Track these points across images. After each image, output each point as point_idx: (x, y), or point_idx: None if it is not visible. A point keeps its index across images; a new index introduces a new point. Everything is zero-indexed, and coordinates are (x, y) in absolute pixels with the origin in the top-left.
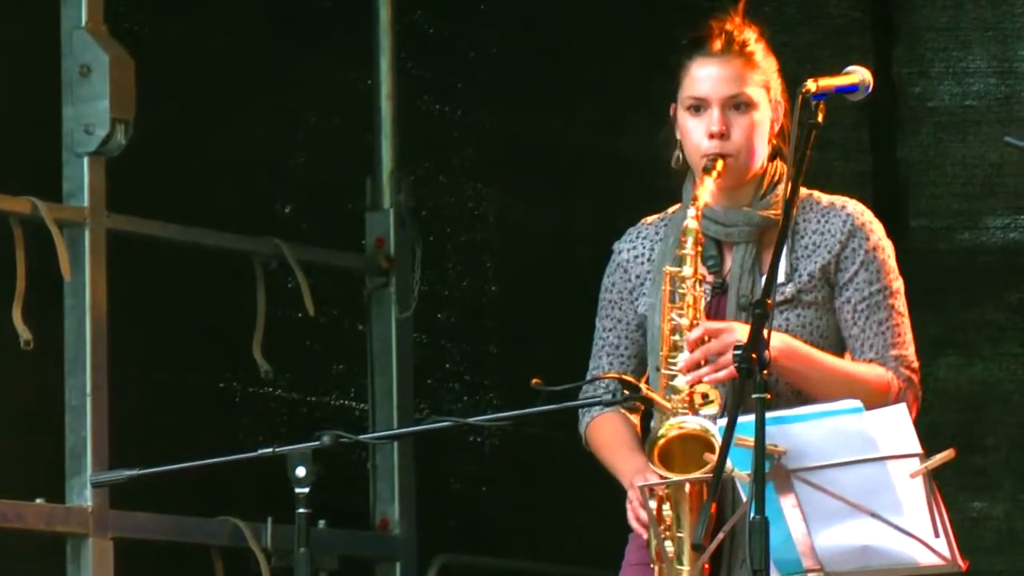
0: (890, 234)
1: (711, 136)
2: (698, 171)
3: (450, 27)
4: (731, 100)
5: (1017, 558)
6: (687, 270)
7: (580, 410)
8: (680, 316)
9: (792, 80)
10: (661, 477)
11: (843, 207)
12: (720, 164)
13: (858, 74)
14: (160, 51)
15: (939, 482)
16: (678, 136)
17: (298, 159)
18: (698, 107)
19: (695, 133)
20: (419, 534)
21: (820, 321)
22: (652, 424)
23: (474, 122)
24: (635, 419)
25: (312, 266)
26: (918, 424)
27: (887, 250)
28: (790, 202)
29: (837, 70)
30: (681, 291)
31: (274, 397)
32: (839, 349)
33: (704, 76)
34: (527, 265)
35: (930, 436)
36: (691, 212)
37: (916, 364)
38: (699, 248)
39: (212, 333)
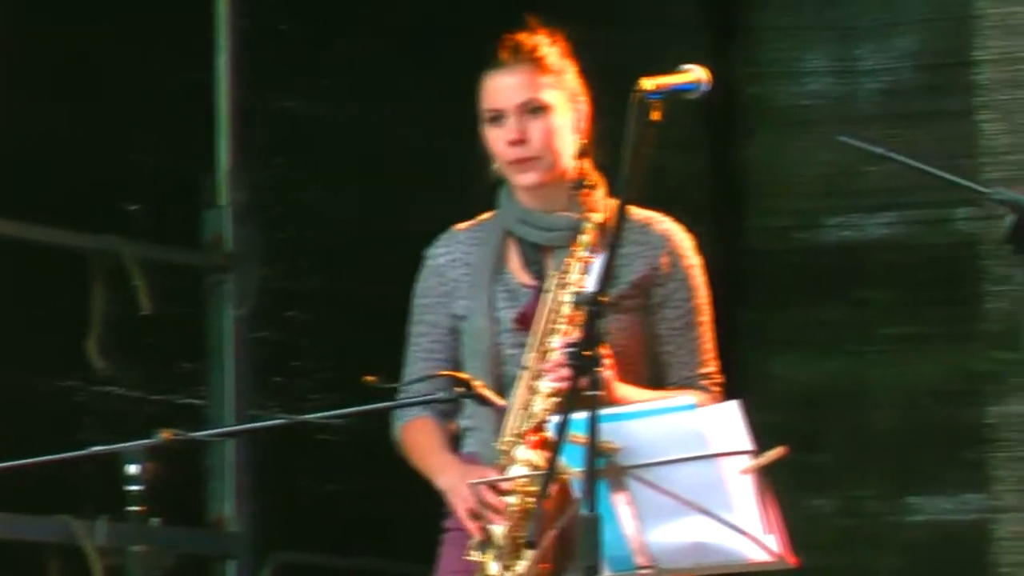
0: (728, 234)
1: (511, 144)
2: (512, 180)
3: (304, 24)
4: (525, 106)
5: (852, 555)
6: (573, 276)
7: (394, 413)
8: (557, 323)
9: (631, 81)
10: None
11: (661, 223)
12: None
13: (694, 72)
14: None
15: (778, 479)
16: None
17: (144, 156)
18: (496, 118)
19: (497, 143)
20: (262, 533)
21: (638, 327)
22: (463, 423)
23: (327, 120)
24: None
25: (153, 264)
26: (757, 422)
27: (699, 267)
28: (624, 204)
29: (675, 69)
30: (561, 298)
31: (117, 396)
32: (653, 358)
33: (497, 87)
34: (378, 263)
35: (769, 434)
36: (588, 225)
37: (720, 378)
38: (589, 257)
39: (56, 331)
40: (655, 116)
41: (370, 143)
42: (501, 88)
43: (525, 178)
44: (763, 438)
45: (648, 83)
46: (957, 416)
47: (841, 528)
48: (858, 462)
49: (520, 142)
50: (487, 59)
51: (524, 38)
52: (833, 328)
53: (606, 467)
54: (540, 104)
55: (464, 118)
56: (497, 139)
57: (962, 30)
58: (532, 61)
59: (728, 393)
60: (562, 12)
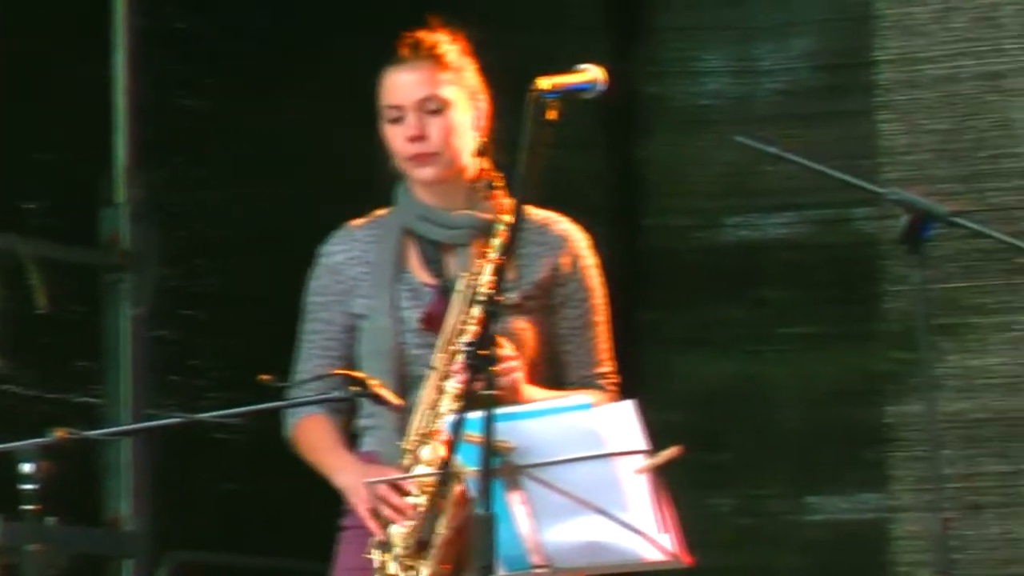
0: (627, 234)
1: (410, 140)
2: (410, 176)
3: (201, 23)
4: (424, 103)
5: (752, 554)
6: (484, 277)
7: (286, 412)
8: (466, 324)
9: (531, 81)
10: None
11: (559, 223)
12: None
13: (590, 72)
14: None
15: (678, 479)
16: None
17: (41, 154)
18: (396, 115)
19: (396, 140)
20: (159, 532)
21: (539, 328)
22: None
23: (225, 118)
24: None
25: (49, 262)
26: (658, 422)
27: (596, 267)
28: (521, 204)
29: (571, 69)
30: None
31: (13, 394)
32: (553, 358)
33: (396, 84)
34: (275, 262)
35: (670, 433)
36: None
37: (617, 378)
38: (500, 259)
39: None
40: (551, 115)
41: (268, 142)
42: (401, 85)
43: (423, 173)
44: (663, 437)
45: (544, 82)
46: (856, 416)
47: (741, 527)
48: (758, 461)
49: (419, 138)
50: (387, 58)
51: (424, 36)
52: (733, 328)
53: (501, 466)
54: (440, 101)
55: (361, 116)
56: (396, 135)
57: (861, 30)
58: (432, 58)
59: (628, 393)
60: (463, 13)
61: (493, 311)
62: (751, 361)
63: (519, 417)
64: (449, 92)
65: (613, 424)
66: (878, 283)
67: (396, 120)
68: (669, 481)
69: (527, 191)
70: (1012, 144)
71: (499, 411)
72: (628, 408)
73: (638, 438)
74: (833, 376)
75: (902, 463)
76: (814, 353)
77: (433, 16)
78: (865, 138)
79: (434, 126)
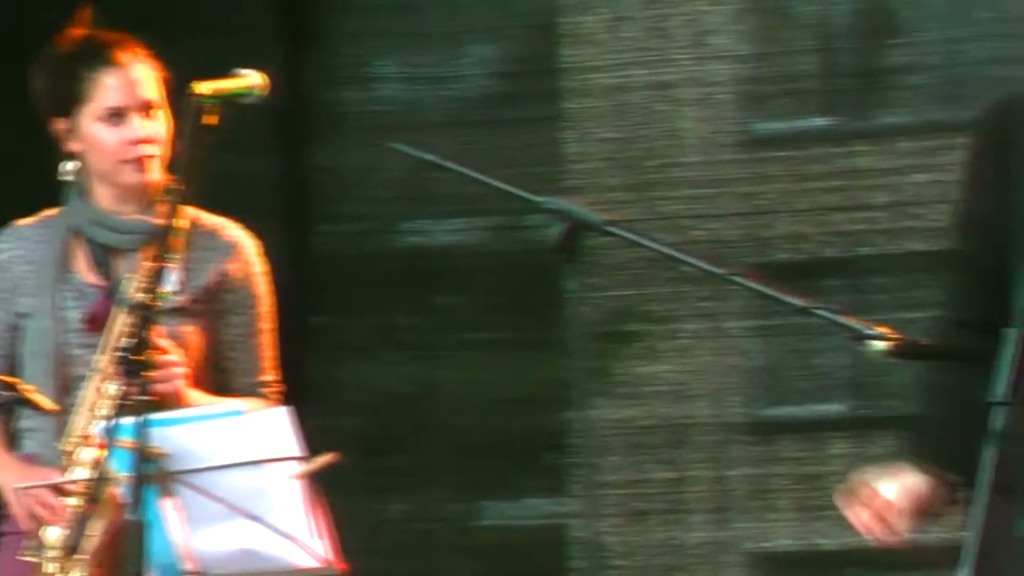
0: (298, 239)
1: (133, 143)
2: (123, 179)
3: None
4: (146, 105)
5: (423, 560)
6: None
7: None
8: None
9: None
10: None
11: (229, 230)
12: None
13: (250, 78)
14: None
15: (350, 485)
16: (76, 147)
17: None
18: (114, 116)
19: (113, 142)
20: None
21: (205, 334)
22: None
23: None
24: None
25: None
26: (331, 428)
27: (265, 275)
28: (178, 209)
29: (231, 74)
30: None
31: None
32: (218, 364)
33: (116, 85)
34: None
35: (343, 440)
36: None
37: (280, 386)
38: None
39: None
40: (210, 120)
41: None
42: (122, 86)
43: (140, 177)
44: (336, 444)
45: (202, 87)
46: (529, 422)
47: (413, 533)
48: (431, 467)
49: (144, 141)
50: (52, 57)
51: (125, 38)
52: (406, 333)
53: (154, 472)
54: (156, 104)
55: (21, 117)
56: (114, 137)
57: (534, 39)
58: (146, 61)
59: (300, 399)
60: (131, 18)
61: (151, 316)
62: (424, 367)
63: (172, 423)
64: (160, 97)
65: (266, 430)
66: (551, 290)
67: (115, 122)
68: (340, 487)
69: (186, 195)
70: (680, 154)
71: (153, 417)
72: (282, 414)
73: (292, 444)
74: (507, 382)
75: (575, 470)
76: (487, 359)
77: (92, 14)
78: (543, 146)
79: (153, 129)
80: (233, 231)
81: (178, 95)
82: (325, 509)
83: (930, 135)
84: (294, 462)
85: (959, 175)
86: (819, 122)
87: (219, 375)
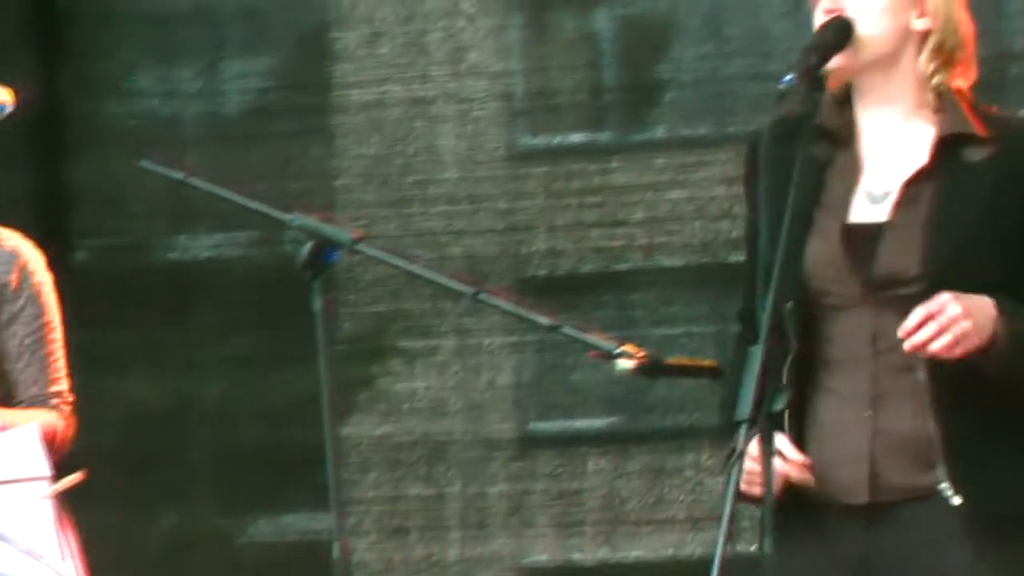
0: (56, 255)
1: None
2: None
3: None
4: None
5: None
6: None
7: None
8: None
9: None
10: None
11: (9, 239)
12: None
13: None
14: None
15: (110, 500)
16: None
17: None
18: None
19: None
20: None
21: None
22: None
23: None
24: None
25: None
26: (90, 443)
27: (49, 285)
28: None
29: None
30: None
31: None
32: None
33: None
34: None
35: (104, 456)
36: None
37: (72, 396)
38: None
39: None
40: None
41: None
42: None
43: None
44: (97, 459)
45: None
46: (291, 437)
47: (174, 549)
48: (193, 483)
49: None
50: None
51: None
52: (165, 349)
53: None
54: None
55: None
56: None
57: (293, 54)
58: None
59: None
60: None
61: None
62: (185, 382)
63: None
64: None
65: (13, 450)
66: (307, 306)
67: None
68: (101, 503)
69: None
70: (437, 170)
71: None
72: (31, 433)
73: (41, 464)
74: (267, 397)
75: (339, 485)
76: (247, 374)
77: None
78: (301, 161)
79: None
80: (13, 240)
81: None
82: (76, 529)
83: (685, 151)
84: (42, 482)
85: (714, 191)
86: (577, 138)
87: (5, 388)
